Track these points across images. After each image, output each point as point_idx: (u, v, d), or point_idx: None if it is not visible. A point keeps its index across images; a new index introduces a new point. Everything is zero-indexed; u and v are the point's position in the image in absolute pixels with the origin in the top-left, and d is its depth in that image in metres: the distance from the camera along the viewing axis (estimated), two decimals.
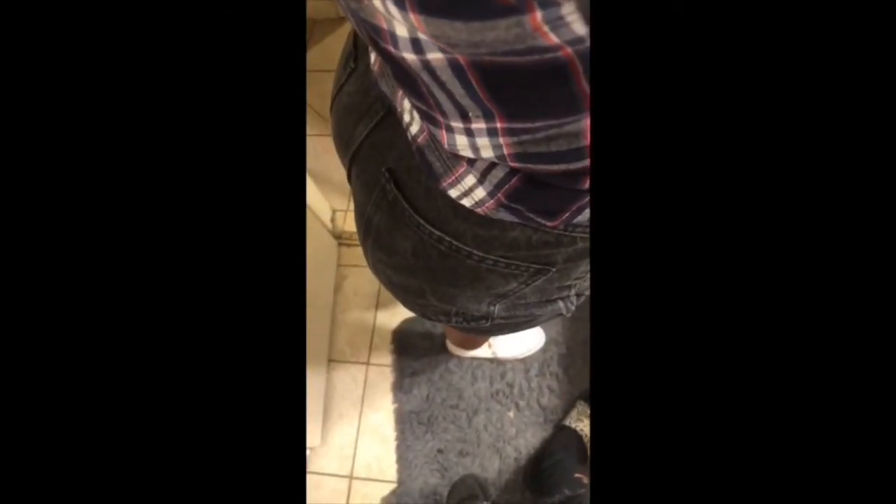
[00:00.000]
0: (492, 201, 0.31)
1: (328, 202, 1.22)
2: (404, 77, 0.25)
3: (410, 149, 0.33)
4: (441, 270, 0.38)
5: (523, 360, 1.16)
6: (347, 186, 1.42)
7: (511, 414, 1.13)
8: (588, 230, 0.33)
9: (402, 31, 0.21)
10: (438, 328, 1.18)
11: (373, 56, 0.34)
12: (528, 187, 0.29)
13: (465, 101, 0.23)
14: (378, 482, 1.12)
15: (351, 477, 1.13)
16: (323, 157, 1.19)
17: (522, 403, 1.14)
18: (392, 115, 0.34)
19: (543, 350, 1.17)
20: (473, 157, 0.28)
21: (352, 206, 1.34)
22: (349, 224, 1.26)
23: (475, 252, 0.35)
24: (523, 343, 1.15)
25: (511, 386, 1.15)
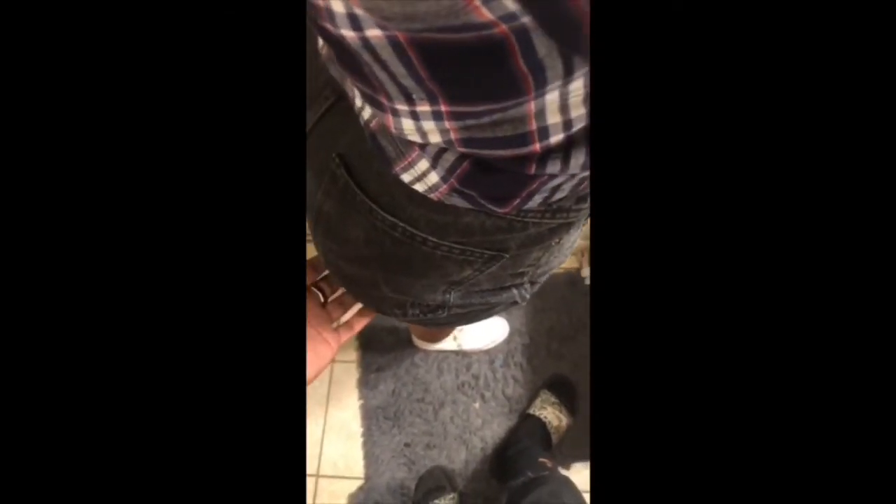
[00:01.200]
0: (445, 186, 0.31)
1: None
2: (347, 58, 0.24)
3: (362, 134, 0.32)
4: (395, 259, 0.37)
5: (488, 352, 1.17)
6: None
7: (477, 405, 1.14)
8: (539, 215, 0.34)
9: (338, 6, 0.21)
10: (404, 322, 1.18)
11: (320, 40, 0.34)
12: (478, 172, 0.29)
13: (408, 82, 0.23)
14: (345, 479, 1.11)
15: (317, 476, 1.12)
16: None
17: (488, 394, 1.15)
18: (343, 101, 0.34)
19: (507, 341, 1.18)
20: (422, 141, 0.28)
21: None
22: None
23: (430, 238, 0.35)
24: (488, 335, 1.17)
25: (476, 377, 1.16)
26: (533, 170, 0.28)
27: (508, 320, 1.19)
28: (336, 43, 0.23)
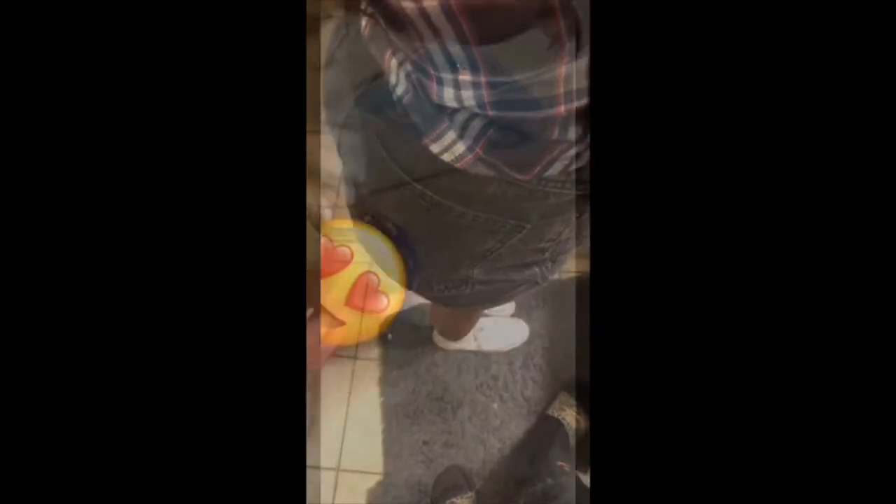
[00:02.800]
0: (470, 155, 0.34)
1: (311, 196, 1.24)
2: (402, 29, 0.28)
3: (396, 110, 0.35)
4: (421, 228, 0.40)
5: (507, 353, 1.18)
6: (331, 180, 1.41)
7: (495, 406, 1.15)
8: (559, 185, 0.36)
9: None
10: (425, 320, 1.20)
11: (363, 21, 0.37)
12: (502, 138, 0.32)
13: (455, 49, 0.26)
14: (365, 474, 1.12)
15: (338, 469, 1.14)
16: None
17: (506, 395, 1.16)
18: (380, 79, 0.37)
19: (527, 343, 1.19)
20: (457, 106, 0.31)
21: (336, 201, 1.34)
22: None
23: (455, 206, 0.37)
24: (508, 337, 1.18)
25: (496, 378, 1.17)
26: (556, 134, 0.30)
27: (528, 322, 1.20)
28: (395, 17, 0.27)
